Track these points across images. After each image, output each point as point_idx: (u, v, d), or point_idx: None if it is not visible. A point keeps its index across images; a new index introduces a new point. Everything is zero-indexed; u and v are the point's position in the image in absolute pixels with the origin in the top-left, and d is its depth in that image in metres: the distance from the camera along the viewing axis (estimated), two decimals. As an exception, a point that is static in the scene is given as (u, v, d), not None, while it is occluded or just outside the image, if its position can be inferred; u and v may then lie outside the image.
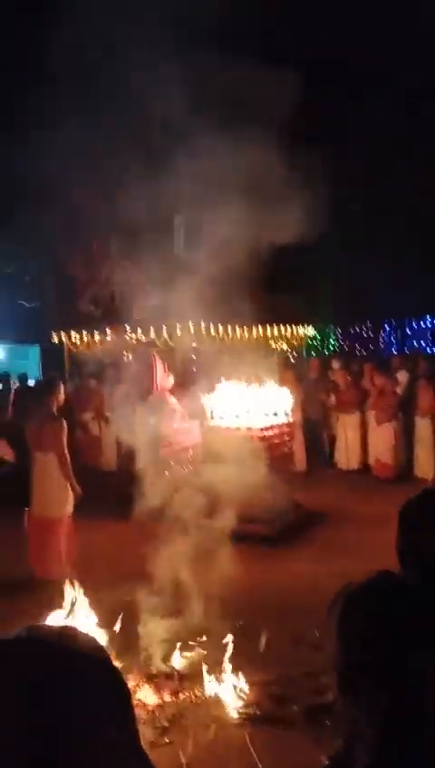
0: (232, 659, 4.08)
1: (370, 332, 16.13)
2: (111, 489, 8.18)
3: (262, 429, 7.17)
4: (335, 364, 10.37)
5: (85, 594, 4.27)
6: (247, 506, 6.77)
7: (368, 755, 0.91)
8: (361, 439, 9.73)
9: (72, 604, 4.09)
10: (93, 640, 0.73)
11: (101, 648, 0.73)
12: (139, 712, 3.77)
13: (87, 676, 0.66)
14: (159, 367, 8.34)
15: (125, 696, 0.70)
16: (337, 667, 1.03)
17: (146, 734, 3.59)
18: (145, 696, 3.89)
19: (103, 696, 0.66)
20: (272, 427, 7.31)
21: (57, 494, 5.61)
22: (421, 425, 9.12)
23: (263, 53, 7.31)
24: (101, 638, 3.82)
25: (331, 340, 16.02)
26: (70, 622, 3.65)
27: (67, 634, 0.71)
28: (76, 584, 4.26)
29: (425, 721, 0.82)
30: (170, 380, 8.35)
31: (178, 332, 10.68)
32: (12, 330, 16.66)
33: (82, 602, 4.16)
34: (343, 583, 1.11)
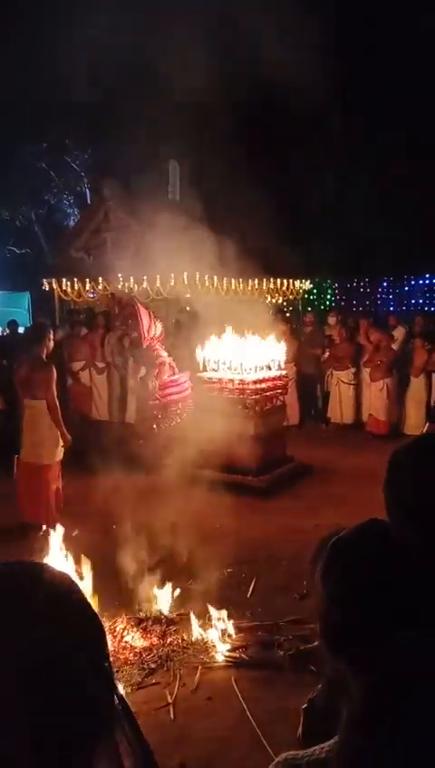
0: (219, 605, 4.11)
1: (367, 288, 15.92)
2: (101, 438, 8.15)
3: (254, 382, 7.10)
4: (331, 319, 10.25)
5: (74, 539, 4.26)
6: (239, 458, 6.79)
7: (351, 705, 0.86)
8: (354, 395, 9.70)
9: (61, 549, 4.07)
10: (66, 575, 0.70)
11: (74, 582, 0.69)
12: (126, 654, 3.81)
13: (62, 608, 0.64)
14: (145, 316, 8.19)
15: (101, 627, 0.68)
16: (320, 616, 0.98)
17: (133, 675, 3.63)
18: (133, 639, 3.92)
19: (79, 630, 0.64)
20: (265, 380, 7.24)
21: (47, 441, 5.55)
22: (415, 383, 9.10)
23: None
24: (90, 582, 3.82)
25: (327, 295, 15.82)
26: (59, 566, 3.63)
27: (39, 568, 0.69)
28: (65, 530, 4.25)
29: (413, 685, 0.76)
30: (159, 329, 8.21)
31: (172, 282, 10.47)
32: (2, 276, 16.33)
33: (71, 547, 4.15)
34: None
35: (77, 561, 3.92)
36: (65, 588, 0.66)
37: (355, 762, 0.72)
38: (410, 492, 1.21)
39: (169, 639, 3.94)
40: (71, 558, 4.02)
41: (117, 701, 0.65)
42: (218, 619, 3.93)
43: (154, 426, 7.97)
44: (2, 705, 0.56)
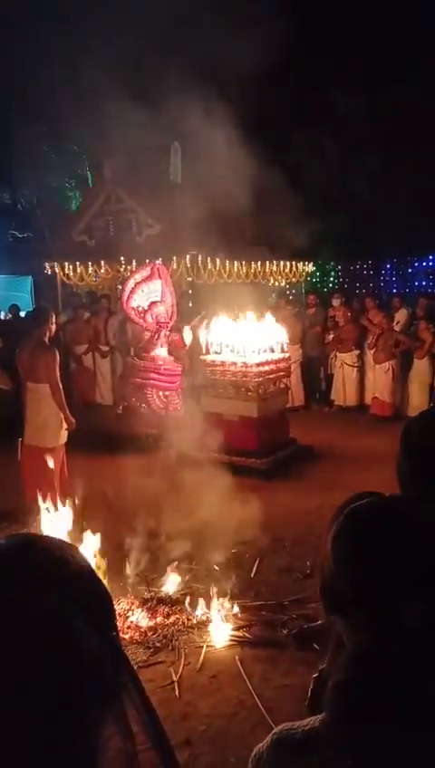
0: (224, 585, 4.15)
1: (371, 271, 15.82)
2: (105, 421, 8.17)
3: (257, 365, 7.08)
4: (336, 301, 10.18)
5: (78, 521, 4.29)
6: (242, 440, 6.81)
7: (342, 662, 0.87)
8: (358, 377, 9.69)
9: (67, 531, 4.10)
10: (67, 543, 0.70)
11: (77, 550, 0.69)
12: (132, 633, 3.85)
13: (73, 578, 0.64)
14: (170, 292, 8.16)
15: (108, 598, 0.68)
16: (327, 585, 0.98)
17: (139, 653, 3.67)
18: (138, 618, 3.96)
19: (89, 598, 0.64)
20: (267, 363, 7.23)
21: (50, 424, 5.55)
22: (419, 365, 9.06)
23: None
24: (97, 562, 3.85)
25: (331, 278, 15.72)
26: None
27: (39, 536, 0.69)
28: (69, 512, 4.27)
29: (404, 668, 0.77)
30: (162, 311, 8.17)
31: (175, 265, 10.42)
32: (4, 260, 16.26)
33: (75, 529, 4.18)
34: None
35: (82, 541, 3.95)
36: (66, 554, 0.66)
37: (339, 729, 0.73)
38: (416, 448, 1.35)
39: (173, 619, 3.98)
40: (74, 539, 4.04)
41: (125, 669, 0.65)
42: (223, 599, 3.96)
43: (121, 405, 7.98)
44: (1, 669, 0.56)
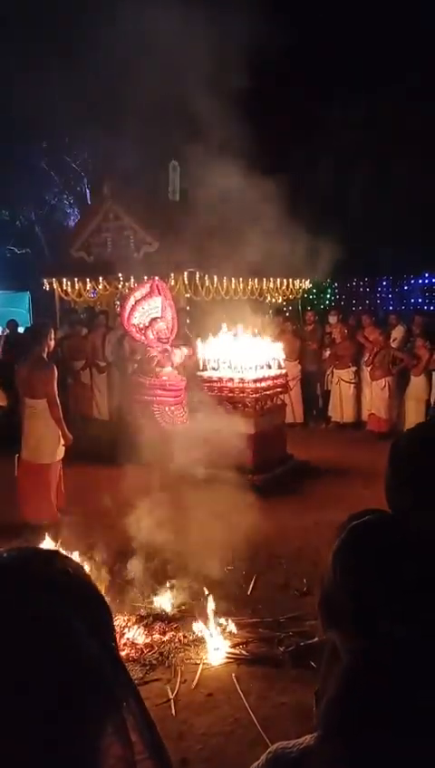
0: (220, 602, 4.14)
1: (367, 288, 15.94)
2: (102, 437, 8.16)
3: (254, 381, 7.12)
4: (332, 318, 10.27)
5: (75, 537, 4.28)
6: (238, 456, 6.80)
7: (336, 676, 0.88)
8: (355, 393, 9.73)
9: (63, 546, 4.10)
10: (68, 557, 0.71)
11: (76, 562, 0.71)
12: (128, 651, 3.83)
13: (73, 588, 0.65)
14: (171, 306, 8.21)
15: (107, 610, 0.69)
16: (326, 598, 1.00)
17: (135, 671, 3.65)
18: (134, 635, 3.94)
19: (88, 608, 0.65)
20: (265, 379, 7.26)
21: (47, 440, 5.57)
22: (415, 382, 9.11)
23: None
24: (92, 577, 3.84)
25: (327, 295, 15.84)
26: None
27: (38, 549, 0.71)
28: (66, 528, 4.27)
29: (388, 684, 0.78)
30: (162, 326, 8.21)
31: (173, 282, 10.49)
32: (2, 276, 16.34)
33: (73, 545, 4.18)
34: (331, 534, 1.09)
35: (77, 556, 3.94)
36: (65, 566, 0.67)
37: (333, 741, 0.74)
38: (405, 459, 1.39)
39: (169, 636, 3.96)
40: (72, 554, 4.04)
41: (124, 677, 0.65)
42: (219, 616, 3.95)
43: (130, 423, 7.99)
44: (1, 675, 0.57)
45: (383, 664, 0.73)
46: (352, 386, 9.70)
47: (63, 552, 0.73)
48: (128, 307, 8.16)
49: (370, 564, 0.96)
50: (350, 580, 0.96)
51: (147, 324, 8.16)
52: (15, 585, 0.62)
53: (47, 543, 4.12)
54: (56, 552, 0.70)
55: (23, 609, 0.60)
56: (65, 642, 0.59)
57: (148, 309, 8.21)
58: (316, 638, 3.87)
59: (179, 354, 8.17)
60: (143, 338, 8.21)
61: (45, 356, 5.72)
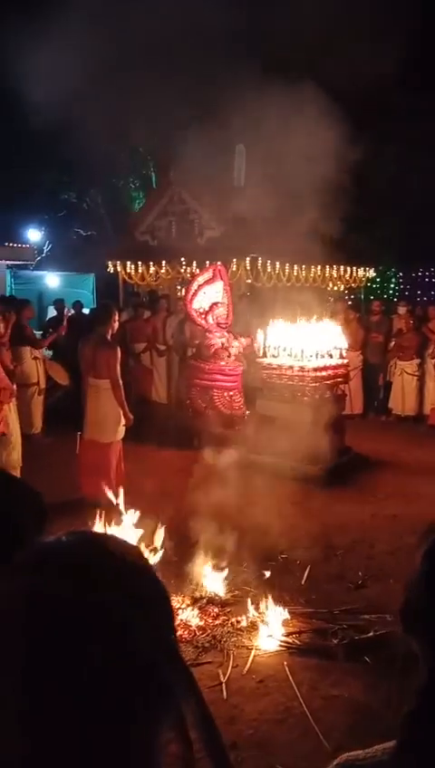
0: (274, 590, 4.13)
1: (432, 278, 15.43)
2: (161, 419, 8.27)
3: (315, 369, 7.02)
4: (402, 309, 9.98)
5: (132, 518, 4.35)
6: (296, 446, 6.75)
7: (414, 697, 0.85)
8: (418, 386, 9.47)
9: (121, 525, 4.18)
10: (134, 546, 0.70)
11: (141, 552, 0.70)
12: (181, 632, 3.88)
13: (129, 576, 0.63)
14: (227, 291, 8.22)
15: (166, 598, 0.67)
16: (410, 603, 0.96)
17: (187, 652, 3.69)
18: (188, 617, 3.98)
19: (145, 598, 0.63)
20: (326, 368, 7.15)
21: (109, 420, 5.67)
22: None
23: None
24: (149, 559, 3.90)
25: (391, 284, 15.42)
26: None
27: (113, 538, 0.69)
28: (125, 508, 4.35)
29: None
30: (222, 312, 8.21)
31: (234, 268, 10.45)
32: (69, 258, 16.71)
33: (131, 525, 4.25)
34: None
35: (137, 537, 4.01)
36: (127, 553, 0.66)
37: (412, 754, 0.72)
38: None
39: (222, 620, 3.99)
40: (131, 534, 4.11)
41: (183, 674, 0.64)
42: (273, 604, 3.94)
43: (188, 407, 8.03)
44: (59, 670, 0.56)
45: None
46: (416, 378, 9.44)
47: (120, 537, 0.72)
48: (191, 291, 8.19)
49: None
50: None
51: (207, 309, 8.18)
52: (72, 576, 0.60)
53: (104, 523, 4.20)
54: (117, 539, 0.69)
55: (74, 599, 0.58)
56: (118, 637, 0.58)
57: (209, 293, 8.22)
58: (371, 633, 3.82)
59: (237, 346, 8.16)
60: (203, 322, 8.23)
61: (109, 337, 5.81)
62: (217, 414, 7.87)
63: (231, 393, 7.99)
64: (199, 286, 8.15)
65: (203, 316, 8.18)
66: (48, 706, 0.55)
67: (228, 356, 8.07)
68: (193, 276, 8.87)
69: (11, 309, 7.17)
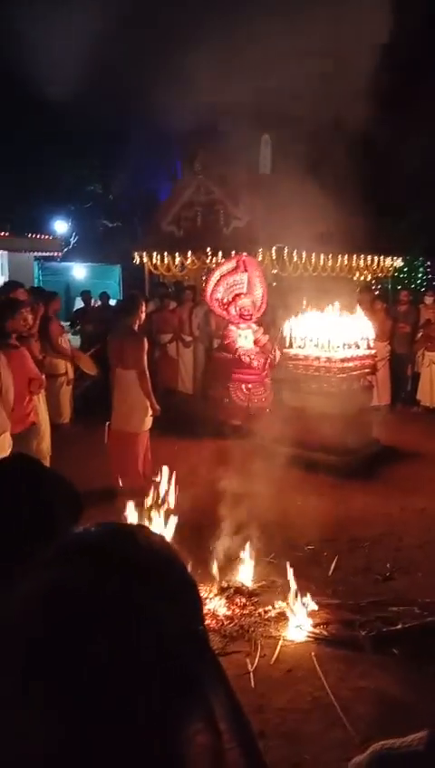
0: (300, 581, 4.13)
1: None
2: (187, 410, 8.31)
3: (341, 360, 6.96)
4: (429, 299, 9.83)
5: (159, 507, 4.39)
6: (323, 436, 6.73)
7: None
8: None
9: (150, 516, 4.22)
10: (163, 538, 0.70)
11: (170, 544, 0.69)
12: (209, 621, 3.91)
13: (157, 566, 0.63)
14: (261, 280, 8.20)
15: (195, 588, 0.67)
16: None
17: (215, 641, 3.73)
18: (215, 606, 4.02)
19: (173, 588, 0.63)
20: (352, 359, 7.09)
21: (136, 410, 5.72)
22: None
23: None
24: (177, 548, 3.93)
25: (419, 274, 15.18)
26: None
27: (142, 529, 0.69)
28: (154, 497, 4.39)
29: None
30: (247, 303, 8.19)
31: (260, 257, 10.40)
32: (95, 249, 16.80)
33: (160, 514, 4.29)
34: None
35: (164, 526, 4.05)
36: (155, 545, 0.65)
37: None
38: None
39: (250, 610, 4.01)
40: (160, 523, 4.16)
41: (211, 665, 0.64)
42: (300, 594, 3.95)
43: (211, 398, 8.04)
44: (88, 662, 0.55)
45: None
46: (444, 370, 9.30)
47: (148, 527, 0.72)
48: (212, 281, 8.17)
49: None
50: None
51: (230, 300, 8.16)
52: (102, 568, 0.60)
53: (133, 513, 4.25)
54: (141, 528, 0.69)
55: (102, 592, 0.57)
56: (145, 629, 0.57)
57: (232, 284, 8.20)
58: (399, 626, 3.81)
59: (262, 338, 8.14)
60: (225, 313, 8.21)
61: (136, 328, 5.85)
62: (234, 406, 7.88)
63: (250, 386, 7.98)
64: (222, 276, 8.13)
65: (225, 307, 8.16)
66: (59, 705, 0.54)
67: (245, 349, 8.05)
68: (216, 266, 8.86)
69: (39, 301, 7.24)
